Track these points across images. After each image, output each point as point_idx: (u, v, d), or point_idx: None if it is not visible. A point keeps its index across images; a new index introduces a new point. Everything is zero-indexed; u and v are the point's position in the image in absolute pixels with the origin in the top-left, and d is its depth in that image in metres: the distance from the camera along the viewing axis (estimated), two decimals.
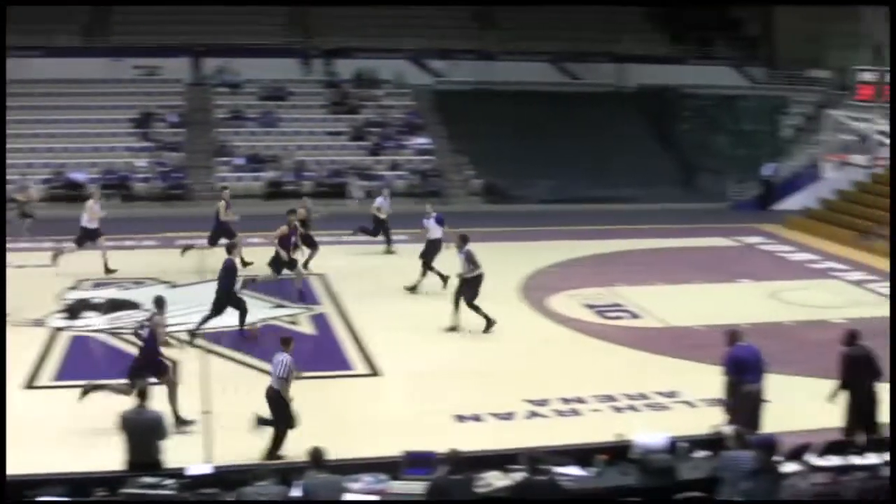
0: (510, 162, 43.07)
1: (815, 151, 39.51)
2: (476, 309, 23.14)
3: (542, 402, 18.80)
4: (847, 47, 49.07)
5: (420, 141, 45.68)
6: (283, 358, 15.81)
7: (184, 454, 13.94)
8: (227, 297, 22.29)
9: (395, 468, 13.20)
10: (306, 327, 23.69)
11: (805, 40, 51.38)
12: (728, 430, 14.17)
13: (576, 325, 24.47)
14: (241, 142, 44.11)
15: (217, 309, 22.29)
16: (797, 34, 51.88)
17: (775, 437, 13.27)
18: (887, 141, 28.59)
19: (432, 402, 18.43)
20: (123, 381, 16.98)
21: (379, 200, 32.01)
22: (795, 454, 14.41)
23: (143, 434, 13.30)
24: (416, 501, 12.47)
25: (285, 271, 25.67)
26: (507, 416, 18.18)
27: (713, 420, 16.12)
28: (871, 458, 14.93)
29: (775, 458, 12.85)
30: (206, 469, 13.04)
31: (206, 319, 22.28)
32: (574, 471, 13.56)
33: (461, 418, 17.98)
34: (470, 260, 23.16)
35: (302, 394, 17.50)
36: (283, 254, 25.38)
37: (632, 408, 18.79)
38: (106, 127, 43.81)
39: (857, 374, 15.94)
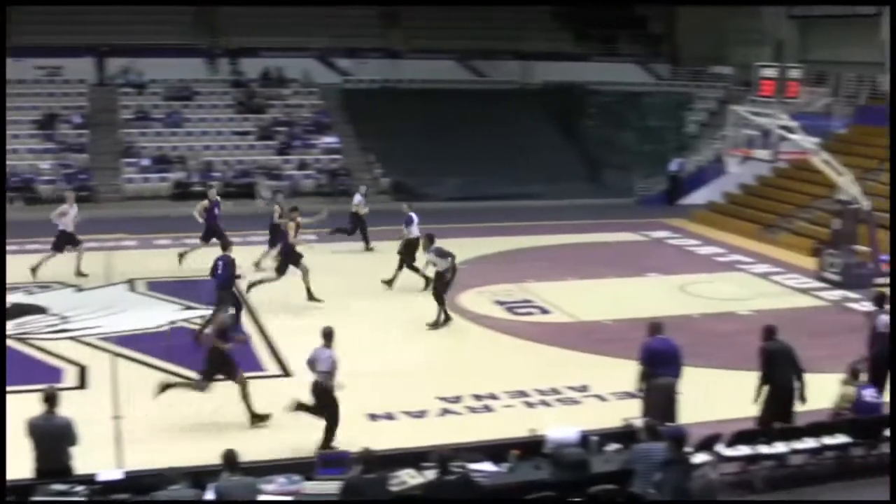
0: (418, 160, 43.07)
1: (719, 147, 40.03)
2: (440, 302, 23.69)
3: (455, 400, 18.87)
4: (749, 44, 49.85)
5: (328, 140, 45.49)
6: (329, 353, 16.13)
7: (94, 460, 13.75)
8: (231, 289, 22.28)
9: (309, 469, 13.19)
10: None
11: (708, 38, 52.09)
12: (639, 422, 14.34)
13: (486, 321, 24.56)
14: (148, 142, 43.58)
15: (235, 302, 22.36)
16: (700, 32, 52.55)
17: (685, 428, 13.44)
18: (790, 135, 29.00)
19: (345, 402, 18.35)
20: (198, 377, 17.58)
21: (357, 198, 32.26)
22: (705, 445, 14.66)
23: (52, 440, 13.05)
24: (331, 501, 12.46)
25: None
26: (420, 414, 18.21)
27: (624, 413, 16.33)
28: (779, 447, 15.25)
29: (686, 449, 13.02)
30: (118, 475, 12.92)
31: (237, 316, 22.24)
32: (487, 467, 13.66)
33: (374, 417, 17.97)
34: (441, 255, 23.82)
35: (213, 395, 17.43)
36: (290, 253, 25.49)
37: (544, 403, 18.91)
38: (8, 128, 42.93)
39: (775, 367, 16.17)
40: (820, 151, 29.48)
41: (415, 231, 27.21)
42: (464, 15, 51.36)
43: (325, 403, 16.17)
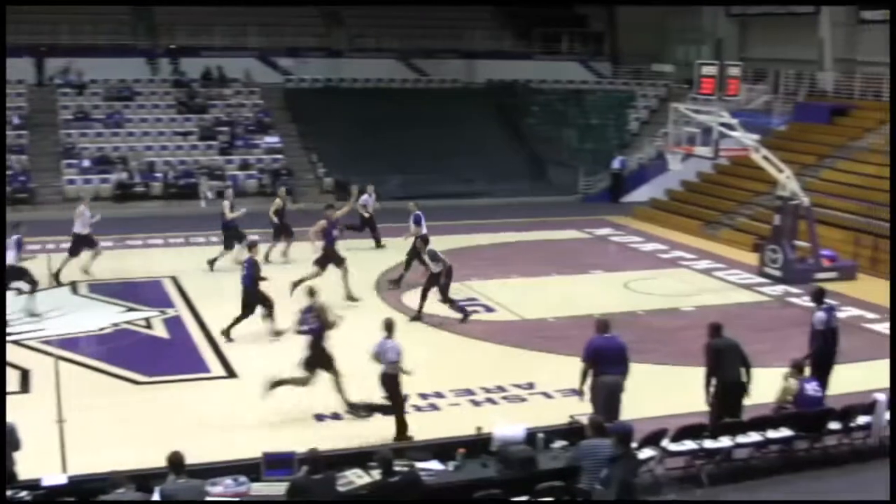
0: (361, 159, 42.89)
1: (660, 144, 40.32)
2: (451, 302, 24.25)
3: None
4: (689, 42, 50.22)
5: (270, 140, 45.26)
6: (394, 343, 16.64)
7: (38, 465, 13.60)
8: (254, 294, 22.28)
9: (256, 470, 13.14)
10: (160, 330, 23.33)
11: (648, 36, 52.41)
12: (585, 419, 14.39)
13: (432, 320, 24.49)
14: (88, 143, 43.16)
15: (250, 307, 22.34)
16: (640, 30, 52.83)
17: (631, 424, 13.50)
18: (730, 132, 29.23)
19: (291, 402, 18.30)
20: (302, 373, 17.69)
21: (364, 198, 32.35)
22: (651, 440, 14.75)
23: None
24: (278, 503, 12.43)
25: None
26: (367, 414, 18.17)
27: (570, 410, 16.35)
28: (724, 442, 15.38)
29: (632, 444, 13.09)
30: (62, 479, 12.80)
31: (238, 320, 22.27)
32: (434, 465, 13.68)
33: (320, 417, 17.93)
34: (434, 258, 24.17)
35: (159, 398, 17.34)
36: (328, 252, 25.53)
37: (490, 401, 18.94)
38: None
39: (723, 363, 16.28)
40: (760, 148, 29.73)
41: (424, 229, 27.35)
42: (406, 14, 51.34)
43: (393, 393, 16.62)
